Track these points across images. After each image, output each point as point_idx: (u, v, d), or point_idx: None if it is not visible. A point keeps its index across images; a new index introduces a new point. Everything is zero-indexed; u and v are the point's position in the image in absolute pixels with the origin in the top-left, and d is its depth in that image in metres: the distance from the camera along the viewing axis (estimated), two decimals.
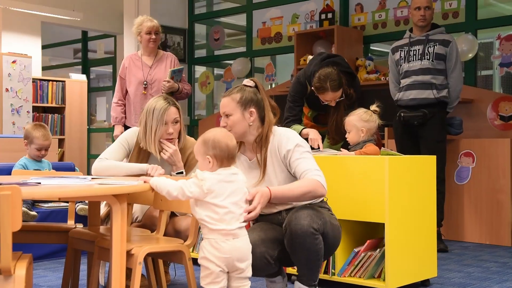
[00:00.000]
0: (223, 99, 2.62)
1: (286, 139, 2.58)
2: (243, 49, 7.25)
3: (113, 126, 4.75)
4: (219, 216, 2.20)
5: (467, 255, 4.23)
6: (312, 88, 3.72)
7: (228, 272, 2.25)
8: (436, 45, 4.38)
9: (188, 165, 3.06)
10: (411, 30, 4.56)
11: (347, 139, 3.42)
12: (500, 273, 3.64)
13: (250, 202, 2.30)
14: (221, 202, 2.20)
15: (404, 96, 4.49)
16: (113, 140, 4.44)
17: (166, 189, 2.24)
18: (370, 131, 3.33)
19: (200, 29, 7.81)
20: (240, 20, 7.46)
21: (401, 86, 4.54)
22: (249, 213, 2.27)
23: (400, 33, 4.65)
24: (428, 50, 4.39)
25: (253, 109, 2.58)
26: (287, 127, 2.96)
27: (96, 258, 2.56)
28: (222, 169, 2.26)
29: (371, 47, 6.27)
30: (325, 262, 3.13)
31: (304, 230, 2.39)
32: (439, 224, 4.36)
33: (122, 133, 4.50)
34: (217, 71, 7.99)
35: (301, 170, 2.49)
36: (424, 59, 4.40)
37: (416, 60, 4.43)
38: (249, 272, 2.29)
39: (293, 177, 2.56)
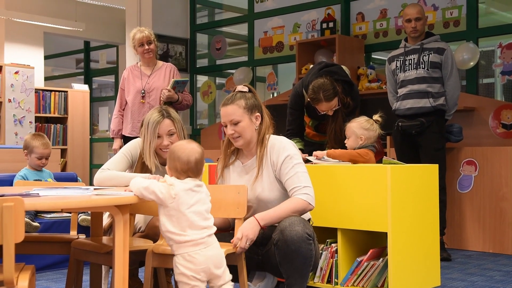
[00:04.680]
0: (227, 108, 2.64)
1: (282, 147, 2.65)
2: (244, 58, 7.27)
3: (113, 138, 4.77)
4: (184, 226, 2.22)
5: (471, 263, 4.22)
6: (308, 99, 3.76)
7: (208, 282, 2.28)
8: (431, 53, 4.39)
9: None
10: (406, 40, 4.58)
11: (346, 145, 3.45)
12: (504, 281, 3.63)
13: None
14: (186, 210, 2.22)
15: (401, 105, 4.49)
16: (113, 153, 4.46)
17: (139, 192, 2.21)
18: (369, 140, 3.37)
19: (202, 38, 7.84)
20: (241, 29, 7.49)
21: (398, 95, 4.55)
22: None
23: (401, 42, 4.66)
24: (423, 59, 4.40)
25: (258, 114, 2.67)
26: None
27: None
28: (189, 179, 2.30)
29: (372, 56, 6.28)
30: (328, 271, 3.12)
31: (299, 235, 2.42)
32: (441, 233, 4.35)
33: (120, 146, 4.56)
34: (219, 80, 8.00)
35: (290, 187, 2.59)
36: (420, 68, 4.40)
37: (411, 69, 4.44)
38: (228, 276, 2.31)
39: (279, 183, 2.64)
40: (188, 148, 2.34)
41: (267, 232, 2.63)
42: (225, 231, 2.77)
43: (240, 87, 2.70)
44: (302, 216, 2.59)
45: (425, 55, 4.40)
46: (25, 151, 4.06)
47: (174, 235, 2.24)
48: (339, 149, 3.41)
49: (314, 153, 3.43)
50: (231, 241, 2.44)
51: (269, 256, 2.60)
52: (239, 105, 2.62)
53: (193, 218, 2.24)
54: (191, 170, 2.31)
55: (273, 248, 2.51)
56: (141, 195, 2.21)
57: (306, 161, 3.34)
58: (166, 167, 2.38)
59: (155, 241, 2.79)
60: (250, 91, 2.70)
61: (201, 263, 2.23)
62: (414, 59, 4.44)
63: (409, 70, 4.46)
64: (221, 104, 2.70)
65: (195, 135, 7.45)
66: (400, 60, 4.52)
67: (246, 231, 2.44)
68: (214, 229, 2.30)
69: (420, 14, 4.44)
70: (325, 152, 3.39)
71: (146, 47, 4.60)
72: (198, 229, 2.24)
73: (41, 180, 3.96)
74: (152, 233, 2.94)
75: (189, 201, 2.24)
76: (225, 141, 2.78)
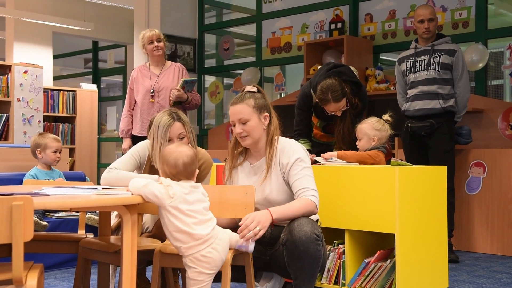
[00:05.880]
0: (236, 106, 2.64)
1: (292, 150, 2.65)
2: (252, 58, 7.28)
3: (122, 138, 4.79)
4: (189, 223, 2.25)
5: (479, 266, 4.20)
6: (316, 100, 3.76)
7: None
8: (442, 54, 4.37)
9: (199, 176, 3.05)
10: (416, 41, 4.56)
11: (357, 146, 3.44)
12: None
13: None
14: (186, 209, 2.25)
15: (411, 106, 4.48)
16: (122, 153, 4.48)
17: (140, 192, 2.22)
18: (381, 140, 3.37)
19: (210, 39, 7.85)
20: (249, 30, 7.49)
21: (408, 96, 4.54)
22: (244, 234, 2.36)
23: (409, 43, 4.65)
24: (433, 60, 4.38)
25: (266, 114, 2.67)
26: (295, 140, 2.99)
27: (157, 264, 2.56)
28: (182, 181, 2.32)
29: (380, 57, 6.27)
30: (336, 272, 3.12)
31: (308, 235, 2.41)
32: (449, 235, 4.33)
33: (129, 146, 4.57)
34: (226, 80, 8.01)
35: (298, 188, 2.58)
36: (430, 69, 4.39)
37: (422, 70, 4.43)
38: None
39: (287, 186, 2.63)
40: (176, 152, 2.34)
41: (274, 232, 2.63)
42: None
43: (249, 87, 2.71)
44: (310, 217, 2.59)
45: (435, 56, 4.38)
46: (38, 149, 4.09)
47: (182, 234, 2.25)
48: (350, 151, 3.40)
49: (322, 155, 3.42)
50: (238, 231, 2.37)
51: (276, 256, 2.60)
52: (248, 104, 2.63)
53: (195, 215, 2.27)
54: (180, 173, 2.32)
55: (281, 248, 2.51)
56: (139, 194, 2.22)
57: (314, 162, 3.34)
58: (160, 170, 2.41)
59: (162, 241, 2.79)
60: (259, 91, 2.71)
61: (215, 260, 2.27)
62: (424, 60, 4.43)
63: (419, 71, 4.44)
64: (230, 103, 2.71)
65: (202, 135, 7.46)
66: (411, 61, 4.51)
67: (258, 217, 2.39)
68: (215, 219, 2.34)
69: (433, 15, 4.43)
70: (334, 153, 3.38)
71: (156, 44, 4.63)
72: (203, 223, 2.28)
73: (51, 180, 3.98)
74: (160, 233, 2.94)
75: (189, 199, 2.27)
76: (233, 141, 2.77)
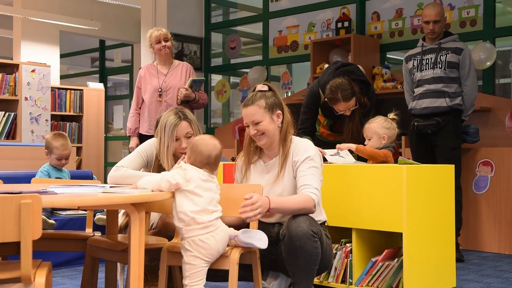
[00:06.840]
0: (248, 109, 2.67)
1: (304, 149, 2.67)
2: (259, 57, 7.27)
3: (130, 137, 4.81)
4: (199, 208, 2.34)
5: (486, 265, 4.19)
6: (325, 99, 3.74)
7: None
8: (449, 53, 4.35)
9: None
10: (423, 39, 4.54)
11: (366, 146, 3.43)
12: None
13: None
14: (201, 193, 2.36)
15: (417, 105, 4.47)
16: (130, 151, 4.48)
17: (156, 185, 2.31)
18: (391, 139, 3.37)
19: (216, 37, 7.85)
20: (256, 28, 7.49)
21: (414, 95, 4.52)
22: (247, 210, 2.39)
23: (417, 41, 4.64)
24: (440, 59, 4.36)
25: (279, 111, 2.70)
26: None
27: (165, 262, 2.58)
28: (205, 170, 2.43)
29: (387, 56, 6.25)
30: (343, 271, 3.11)
31: (304, 232, 2.43)
32: (457, 233, 4.32)
33: (137, 144, 4.58)
34: (233, 79, 8.01)
35: (300, 184, 2.59)
36: (437, 67, 4.37)
37: (428, 69, 4.41)
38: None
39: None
40: (211, 144, 2.46)
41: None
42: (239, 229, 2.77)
43: (259, 86, 2.73)
44: (319, 218, 2.60)
45: (442, 55, 4.37)
46: (46, 150, 4.10)
47: (186, 216, 2.34)
48: (369, 146, 3.38)
49: (338, 145, 3.42)
50: (241, 205, 2.39)
51: (282, 254, 2.61)
52: (259, 106, 2.65)
53: (206, 201, 2.36)
54: (209, 164, 2.43)
55: (281, 244, 2.52)
56: (166, 188, 2.30)
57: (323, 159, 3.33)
58: (186, 157, 2.50)
59: (167, 236, 2.80)
60: (270, 89, 2.71)
61: (212, 248, 2.35)
62: (431, 58, 4.41)
63: (426, 69, 4.43)
64: (242, 105, 2.73)
65: (209, 134, 7.46)
66: (417, 60, 4.49)
67: (262, 202, 2.41)
68: (221, 213, 2.42)
69: (439, 16, 4.39)
70: (353, 145, 3.35)
71: (163, 43, 4.64)
72: (209, 213, 2.37)
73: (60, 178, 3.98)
74: (165, 229, 2.95)
75: (204, 185, 2.38)
76: (247, 139, 2.78)
